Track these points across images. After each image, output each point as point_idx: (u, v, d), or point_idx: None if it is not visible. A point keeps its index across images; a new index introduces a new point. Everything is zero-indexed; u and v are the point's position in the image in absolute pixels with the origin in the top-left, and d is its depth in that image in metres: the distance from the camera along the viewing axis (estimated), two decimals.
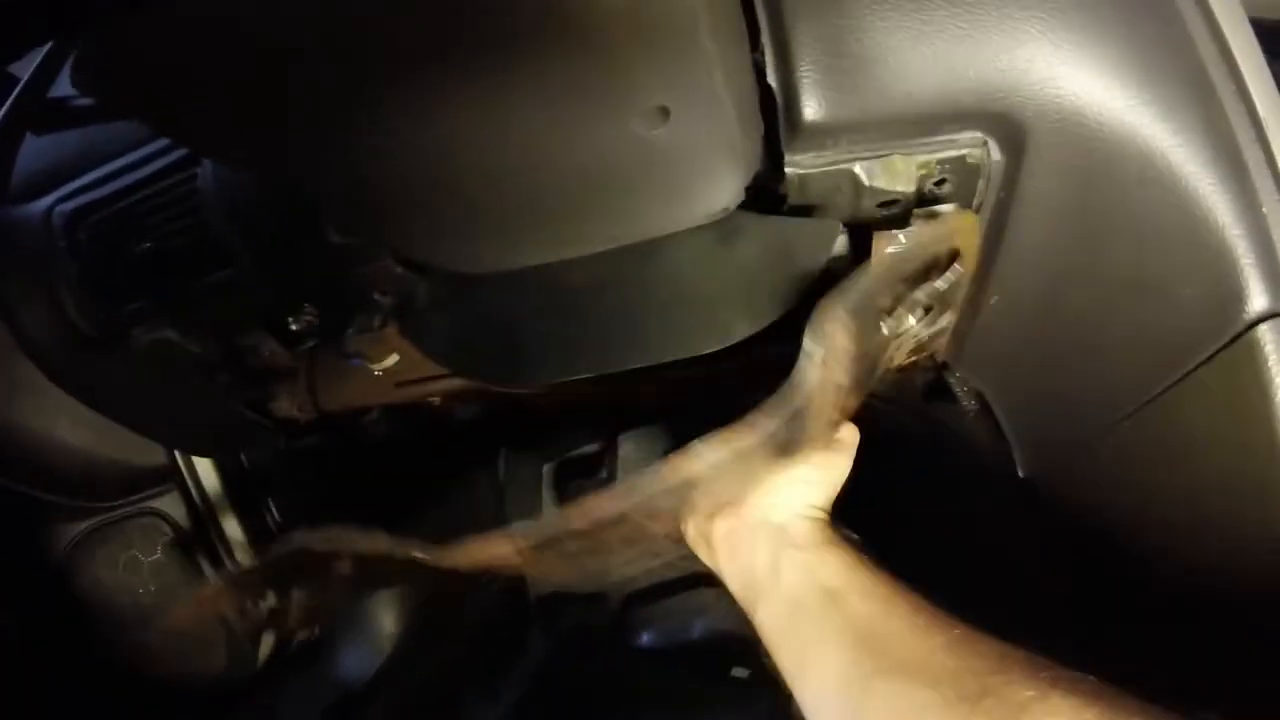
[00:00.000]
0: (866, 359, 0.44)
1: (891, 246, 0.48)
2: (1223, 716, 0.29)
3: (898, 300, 0.44)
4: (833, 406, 0.43)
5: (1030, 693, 0.33)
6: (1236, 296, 0.39)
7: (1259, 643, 0.43)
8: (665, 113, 0.30)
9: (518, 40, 0.26)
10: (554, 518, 0.41)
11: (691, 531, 0.51)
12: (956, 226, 0.42)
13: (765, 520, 0.46)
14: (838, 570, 0.43)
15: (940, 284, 0.43)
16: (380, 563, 0.50)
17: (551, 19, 0.26)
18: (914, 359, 0.55)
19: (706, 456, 0.39)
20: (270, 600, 0.58)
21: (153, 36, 0.26)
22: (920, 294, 0.44)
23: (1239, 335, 0.39)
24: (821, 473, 0.48)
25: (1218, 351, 0.40)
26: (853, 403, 0.48)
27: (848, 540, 0.46)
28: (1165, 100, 0.39)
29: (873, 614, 0.41)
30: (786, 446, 0.42)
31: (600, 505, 0.40)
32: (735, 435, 0.38)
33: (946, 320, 0.50)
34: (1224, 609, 0.45)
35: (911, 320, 0.46)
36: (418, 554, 0.43)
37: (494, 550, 0.42)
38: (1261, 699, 0.43)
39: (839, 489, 0.50)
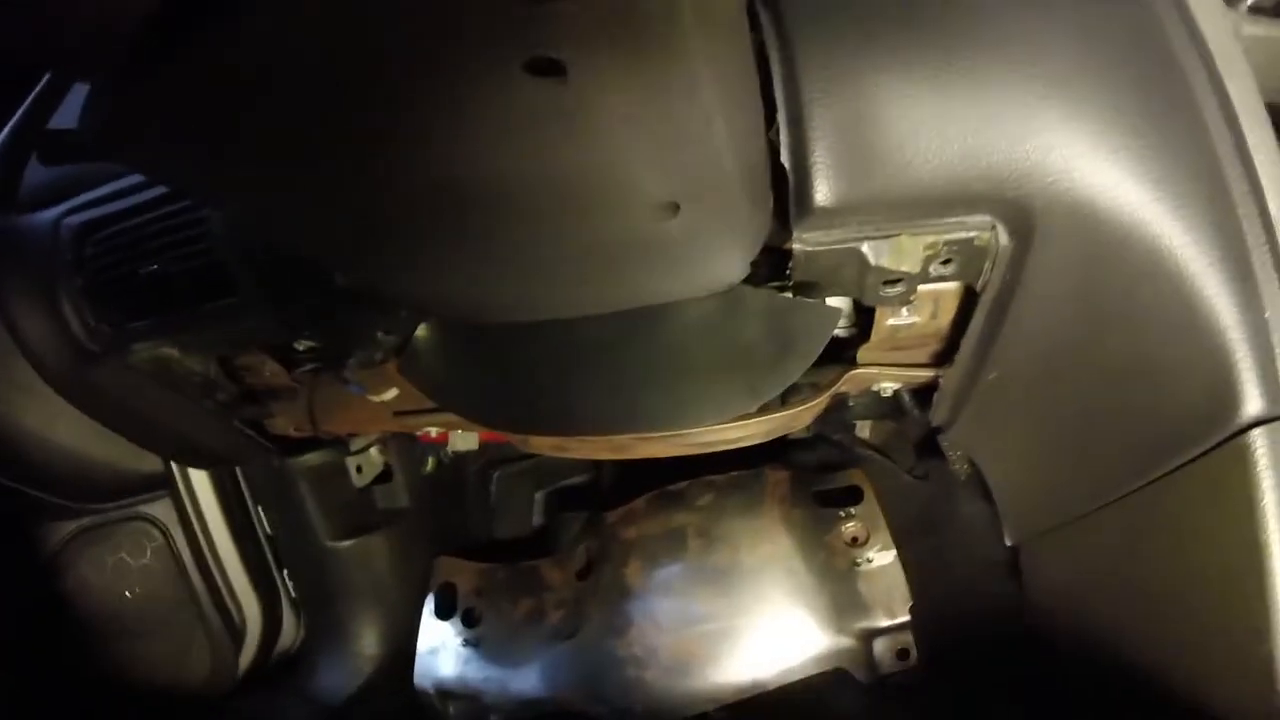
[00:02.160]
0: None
1: (892, 319, 0.48)
2: None
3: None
4: None
5: None
6: (1232, 398, 0.39)
7: None
8: (675, 208, 0.30)
9: (526, 140, 0.26)
10: None
11: None
12: None
13: None
14: None
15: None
16: None
17: (561, 122, 0.26)
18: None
19: None
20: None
21: (176, 98, 0.26)
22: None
23: (1230, 437, 0.39)
24: None
25: (1209, 450, 0.40)
26: None
27: None
28: (1178, 197, 0.39)
29: None
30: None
31: None
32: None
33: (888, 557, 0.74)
34: (1193, 701, 0.45)
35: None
36: None
37: None
38: None
39: None
